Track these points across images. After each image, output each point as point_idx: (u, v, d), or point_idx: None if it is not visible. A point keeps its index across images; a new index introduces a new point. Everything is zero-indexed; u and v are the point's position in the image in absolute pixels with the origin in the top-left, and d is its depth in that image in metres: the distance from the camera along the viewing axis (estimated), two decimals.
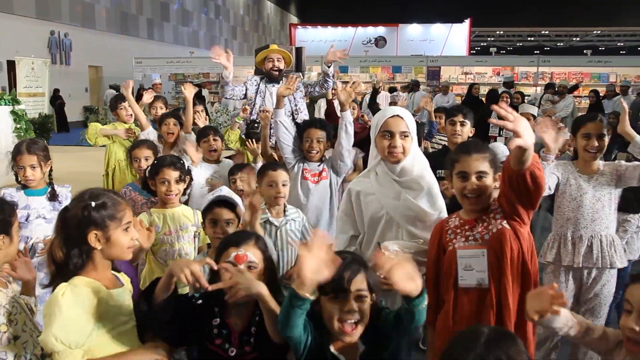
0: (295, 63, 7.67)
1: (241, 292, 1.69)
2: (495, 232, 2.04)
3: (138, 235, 1.88)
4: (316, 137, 3.31)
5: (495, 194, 2.12)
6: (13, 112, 5.66)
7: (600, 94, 9.73)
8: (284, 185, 2.76)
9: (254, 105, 4.82)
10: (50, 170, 3.03)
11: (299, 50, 7.95)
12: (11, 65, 14.50)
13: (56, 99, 15.78)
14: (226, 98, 4.95)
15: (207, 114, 5.22)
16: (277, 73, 4.85)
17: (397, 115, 2.31)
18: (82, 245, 1.72)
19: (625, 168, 2.83)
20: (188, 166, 3.02)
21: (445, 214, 2.33)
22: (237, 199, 2.60)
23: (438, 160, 2.70)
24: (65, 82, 16.55)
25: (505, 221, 2.04)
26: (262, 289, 1.72)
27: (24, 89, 8.47)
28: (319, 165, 3.36)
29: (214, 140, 3.75)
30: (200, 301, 1.83)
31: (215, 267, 1.78)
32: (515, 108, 7.26)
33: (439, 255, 2.15)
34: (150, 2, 22.84)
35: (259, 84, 4.89)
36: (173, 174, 2.78)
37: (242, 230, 2.31)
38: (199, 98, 6.92)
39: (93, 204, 1.72)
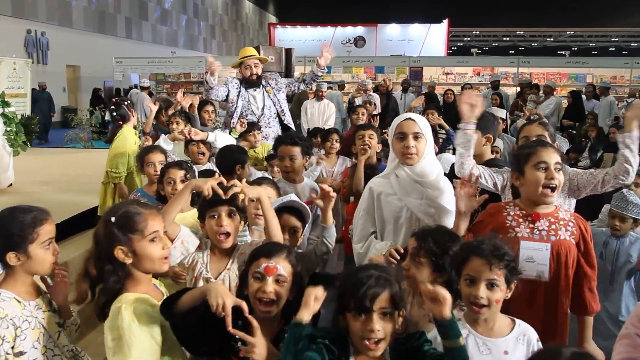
0: (285, 65, 7.66)
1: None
2: (561, 239, 2.13)
3: (170, 243, 1.82)
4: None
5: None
6: (4, 115, 5.52)
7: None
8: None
9: (235, 108, 4.85)
10: None
11: (288, 52, 7.88)
12: None
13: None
14: (213, 100, 4.99)
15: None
16: (255, 78, 4.90)
17: (409, 119, 2.45)
18: (113, 262, 1.70)
19: (581, 177, 2.55)
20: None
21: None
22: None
23: None
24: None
25: (573, 236, 2.14)
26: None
27: (6, 90, 8.25)
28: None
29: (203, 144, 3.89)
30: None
31: (249, 320, 1.67)
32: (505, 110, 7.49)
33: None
34: (129, 0, 22.52)
35: (240, 87, 4.93)
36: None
37: (275, 241, 2.20)
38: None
39: (113, 219, 1.71)
